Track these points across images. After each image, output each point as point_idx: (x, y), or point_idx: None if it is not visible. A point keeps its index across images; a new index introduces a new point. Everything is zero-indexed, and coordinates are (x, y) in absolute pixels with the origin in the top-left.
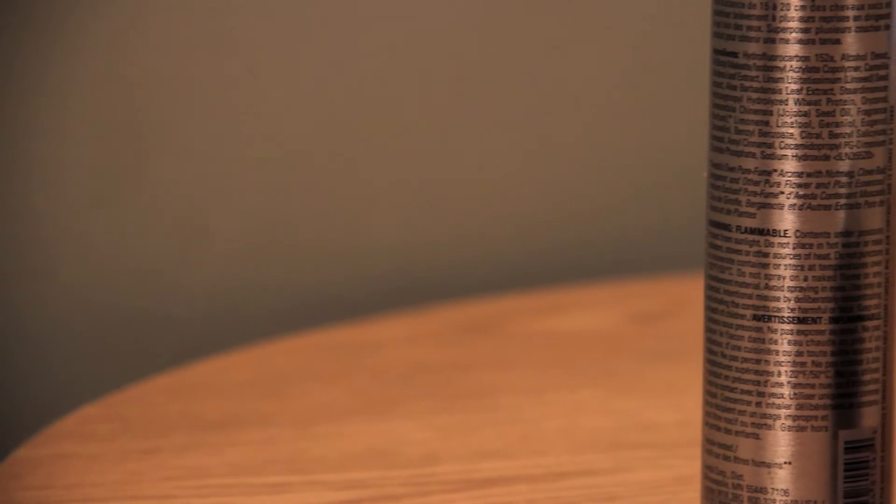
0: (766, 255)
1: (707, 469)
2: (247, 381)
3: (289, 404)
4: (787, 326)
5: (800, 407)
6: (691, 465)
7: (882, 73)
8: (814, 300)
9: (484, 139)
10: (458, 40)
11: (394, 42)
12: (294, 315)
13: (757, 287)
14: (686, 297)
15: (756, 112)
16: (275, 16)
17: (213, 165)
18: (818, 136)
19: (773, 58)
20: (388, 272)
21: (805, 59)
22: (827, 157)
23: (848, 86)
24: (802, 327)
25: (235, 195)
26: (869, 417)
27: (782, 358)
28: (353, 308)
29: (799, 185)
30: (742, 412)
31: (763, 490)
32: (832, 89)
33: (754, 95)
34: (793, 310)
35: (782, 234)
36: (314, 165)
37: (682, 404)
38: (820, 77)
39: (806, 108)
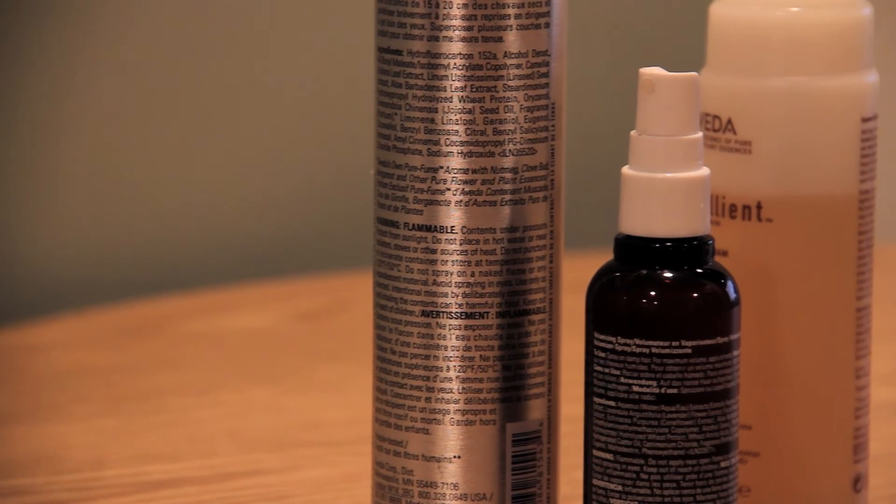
0: (433, 251)
1: (378, 465)
2: None
3: None
4: (455, 322)
5: (468, 401)
6: (361, 462)
7: (543, 70)
8: (481, 295)
9: (138, 135)
10: None
11: None
12: None
13: (425, 283)
14: (353, 294)
15: (421, 109)
16: None
17: None
18: (483, 132)
19: (437, 55)
20: (48, 275)
21: (468, 56)
22: (492, 154)
23: (511, 83)
24: (470, 322)
25: None
26: (535, 410)
27: (451, 353)
28: (14, 311)
29: (465, 182)
30: (412, 408)
31: (433, 484)
32: (495, 87)
33: (419, 93)
34: (460, 305)
35: (449, 230)
36: None
37: (351, 402)
38: (483, 74)
39: (470, 105)
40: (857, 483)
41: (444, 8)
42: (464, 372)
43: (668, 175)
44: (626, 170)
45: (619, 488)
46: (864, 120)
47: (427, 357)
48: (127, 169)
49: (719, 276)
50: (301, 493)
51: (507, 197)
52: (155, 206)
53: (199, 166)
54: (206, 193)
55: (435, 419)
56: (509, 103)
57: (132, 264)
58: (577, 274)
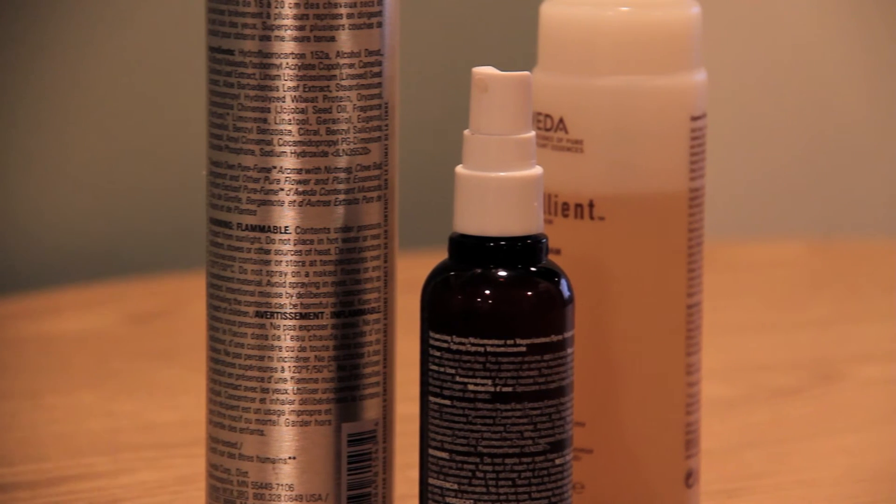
0: (267, 251)
1: (212, 467)
2: None
3: None
4: (289, 322)
5: (304, 402)
6: (194, 464)
7: (376, 69)
8: (315, 296)
9: None
10: None
11: None
12: None
13: (259, 284)
14: (186, 295)
15: (254, 109)
16: None
17: None
18: (316, 132)
19: (270, 55)
20: None
21: (301, 56)
22: (325, 154)
23: (343, 83)
24: (305, 323)
25: None
26: (371, 410)
27: (286, 354)
28: None
29: (298, 182)
30: (246, 409)
31: (268, 486)
32: (328, 86)
33: (252, 93)
34: (295, 306)
35: (283, 230)
36: None
37: (183, 404)
38: (316, 74)
39: (303, 104)
40: (689, 478)
41: (276, 7)
42: (298, 372)
43: (502, 174)
44: (459, 169)
45: (455, 487)
46: (694, 118)
47: (261, 358)
48: None
49: (553, 275)
50: (133, 497)
51: (341, 197)
52: None
53: (24, 165)
54: (33, 194)
55: (270, 420)
56: (342, 103)
57: None
58: (411, 273)
